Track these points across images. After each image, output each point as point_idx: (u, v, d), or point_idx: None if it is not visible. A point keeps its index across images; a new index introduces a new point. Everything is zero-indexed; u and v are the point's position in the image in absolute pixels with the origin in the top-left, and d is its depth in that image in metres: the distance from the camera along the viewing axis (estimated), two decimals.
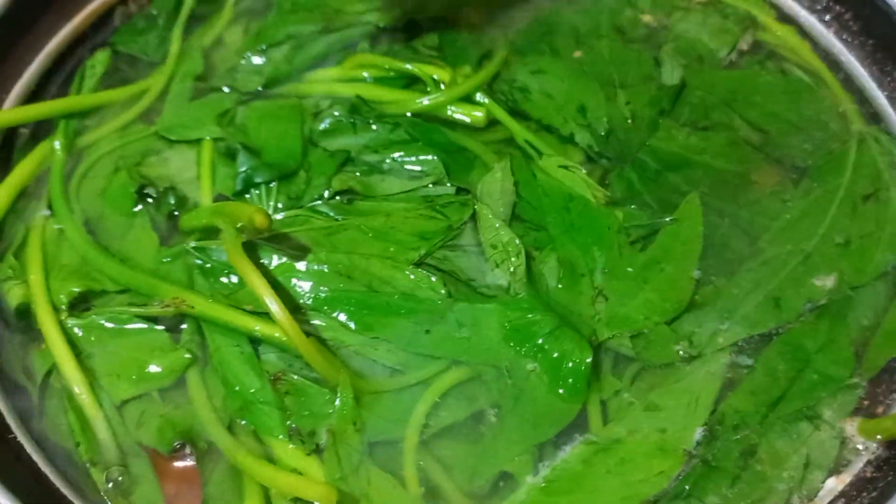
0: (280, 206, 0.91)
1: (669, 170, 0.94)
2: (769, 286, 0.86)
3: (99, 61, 1.06)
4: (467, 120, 0.99)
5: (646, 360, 0.82)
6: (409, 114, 0.98)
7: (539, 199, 0.91)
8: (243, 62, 1.05)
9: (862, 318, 0.85)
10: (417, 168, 0.93)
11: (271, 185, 0.92)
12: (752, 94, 1.00)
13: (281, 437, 0.78)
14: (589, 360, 0.78)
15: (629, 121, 0.97)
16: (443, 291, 0.82)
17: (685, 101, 1.00)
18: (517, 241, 0.85)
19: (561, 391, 0.78)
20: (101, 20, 1.10)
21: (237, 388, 0.80)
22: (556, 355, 0.79)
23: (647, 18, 1.09)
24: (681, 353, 0.82)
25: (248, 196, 0.93)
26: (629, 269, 0.86)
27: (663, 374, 0.82)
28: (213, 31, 1.10)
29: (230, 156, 0.95)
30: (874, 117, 1.01)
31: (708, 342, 0.83)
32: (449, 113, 0.99)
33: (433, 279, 0.83)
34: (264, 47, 1.05)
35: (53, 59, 1.06)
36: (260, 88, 1.03)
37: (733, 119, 0.98)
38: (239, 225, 0.81)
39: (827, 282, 0.86)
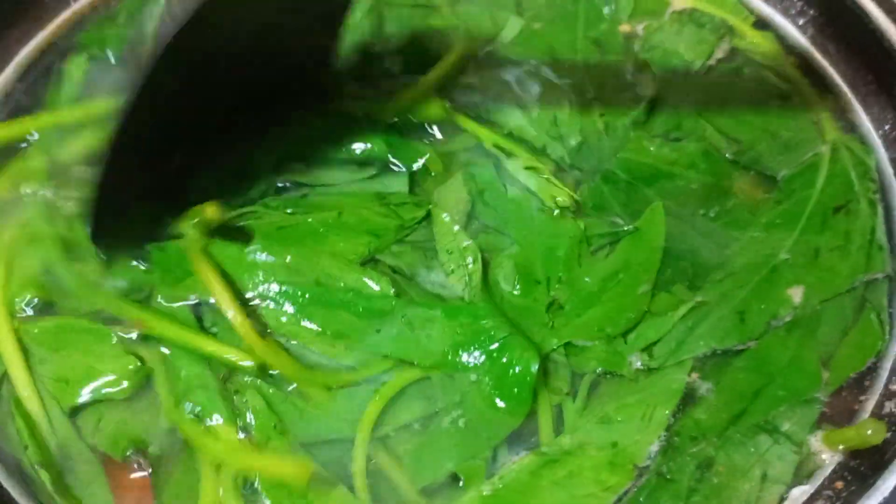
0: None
1: (640, 181, 0.94)
2: (735, 299, 0.86)
3: (75, 65, 1.05)
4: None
5: (596, 370, 0.83)
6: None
7: (503, 204, 0.92)
8: None
9: (828, 333, 0.85)
10: (363, 155, 0.94)
11: None
12: (726, 102, 1.00)
13: (223, 421, 0.79)
14: (535, 367, 0.78)
15: (603, 132, 0.98)
16: (391, 291, 0.83)
17: (658, 111, 1.00)
18: (475, 247, 0.87)
19: (505, 401, 0.78)
20: (73, 29, 1.10)
21: (183, 374, 0.81)
22: (503, 361, 0.79)
23: (624, 28, 1.09)
24: (638, 364, 0.83)
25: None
26: (587, 279, 0.87)
27: (620, 386, 0.82)
28: None
29: None
30: (849, 126, 1.01)
31: (668, 355, 0.83)
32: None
33: (382, 278, 0.84)
34: None
35: (27, 65, 1.06)
36: None
37: (706, 128, 0.98)
38: (195, 220, 0.83)
39: (794, 296, 0.86)
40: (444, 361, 0.81)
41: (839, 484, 0.78)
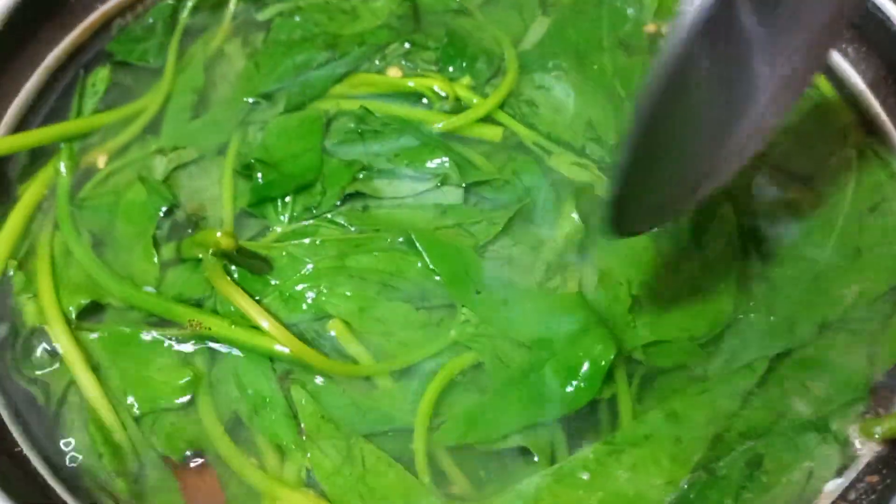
0: (295, 215, 0.94)
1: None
2: (784, 306, 0.88)
3: (100, 79, 1.07)
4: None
5: (665, 369, 0.86)
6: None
7: None
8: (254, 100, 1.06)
9: (873, 329, 0.88)
10: (427, 172, 0.96)
11: (286, 198, 0.95)
12: None
13: (287, 443, 0.81)
14: (610, 358, 0.81)
15: None
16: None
17: None
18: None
19: (575, 383, 0.81)
20: (99, 33, 1.11)
21: (250, 392, 0.83)
22: (582, 347, 0.82)
23: (650, 28, 1.12)
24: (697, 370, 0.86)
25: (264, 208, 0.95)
26: (664, 286, 0.89)
27: (679, 383, 0.85)
28: (213, 42, 1.12)
29: (246, 169, 0.97)
30: (870, 128, 1.03)
31: (723, 367, 0.85)
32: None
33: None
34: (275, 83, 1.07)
35: (51, 72, 1.06)
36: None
37: None
38: (211, 251, 0.86)
39: (846, 297, 0.89)
40: (525, 335, 0.84)
41: (874, 478, 0.80)
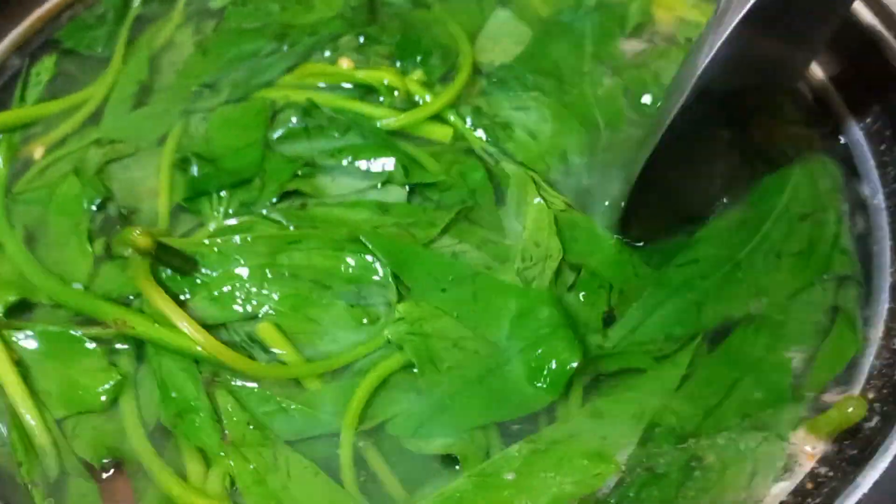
0: (231, 211, 0.93)
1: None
2: (696, 289, 0.88)
3: (45, 68, 1.07)
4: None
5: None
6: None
7: None
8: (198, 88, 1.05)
9: (799, 332, 0.88)
10: (372, 169, 0.95)
11: (223, 193, 0.94)
12: None
13: (211, 450, 0.79)
14: (574, 364, 0.80)
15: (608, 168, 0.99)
16: (388, 274, 0.86)
17: None
18: (560, 249, 0.89)
19: (534, 385, 0.81)
20: (48, 24, 1.11)
21: (174, 395, 0.81)
22: (547, 349, 0.82)
23: (630, 46, 1.11)
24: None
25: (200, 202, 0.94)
26: (643, 291, 0.89)
27: (617, 382, 0.85)
28: (163, 32, 1.11)
29: (182, 162, 0.96)
30: (820, 132, 1.03)
31: (623, 338, 0.85)
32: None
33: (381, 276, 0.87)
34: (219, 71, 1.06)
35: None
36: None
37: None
38: (129, 250, 0.84)
39: (752, 304, 0.88)
40: (492, 331, 0.84)
41: (820, 479, 0.79)
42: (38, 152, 0.99)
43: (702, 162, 0.92)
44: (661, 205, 0.92)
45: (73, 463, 0.80)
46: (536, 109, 1.02)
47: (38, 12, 1.09)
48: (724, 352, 0.85)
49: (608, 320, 0.87)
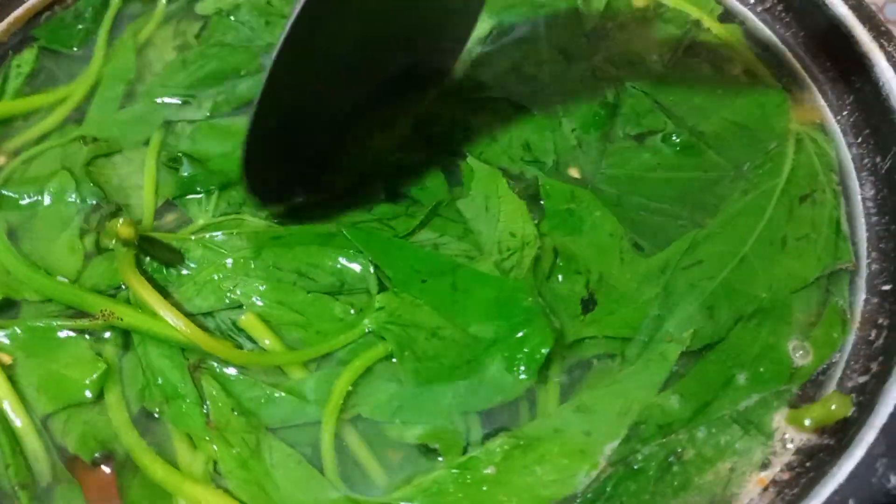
0: (219, 210, 0.94)
1: (630, 193, 0.96)
2: (704, 291, 0.87)
3: (25, 60, 1.08)
4: None
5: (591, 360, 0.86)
6: None
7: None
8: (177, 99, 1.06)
9: (797, 324, 0.87)
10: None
11: (212, 193, 0.95)
12: (689, 95, 1.03)
13: (196, 434, 0.80)
14: (545, 350, 0.81)
15: (578, 148, 1.00)
16: (372, 271, 0.88)
17: (620, 111, 1.02)
18: (536, 233, 0.90)
19: (513, 370, 0.82)
20: (27, 26, 1.12)
21: (159, 381, 0.83)
22: (521, 336, 0.83)
23: (587, 28, 1.11)
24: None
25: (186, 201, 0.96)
26: (628, 276, 0.89)
27: (601, 374, 0.84)
28: (144, 31, 1.12)
29: (173, 161, 0.97)
30: (811, 115, 1.03)
31: (638, 355, 0.85)
32: None
33: (359, 257, 0.89)
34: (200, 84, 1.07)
35: None
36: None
37: (666, 124, 1.00)
38: (114, 241, 0.86)
39: (768, 284, 0.88)
40: (469, 321, 0.85)
41: (797, 469, 0.80)
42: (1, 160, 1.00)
43: (348, 128, 0.91)
44: (284, 165, 0.89)
45: (59, 461, 0.80)
46: (491, 108, 1.03)
47: (14, 14, 1.10)
48: (725, 348, 0.85)
49: (588, 305, 0.87)
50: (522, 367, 0.81)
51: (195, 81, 1.06)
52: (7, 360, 0.84)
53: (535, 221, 0.92)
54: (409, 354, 0.83)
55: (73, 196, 0.94)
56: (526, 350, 0.82)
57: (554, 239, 0.91)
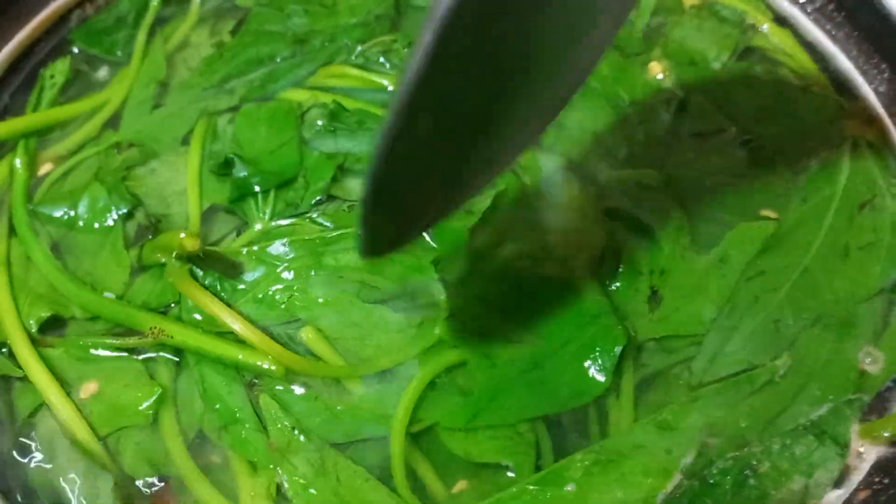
0: (278, 211, 0.93)
1: (691, 200, 0.96)
2: (769, 305, 0.88)
3: (58, 70, 1.07)
4: None
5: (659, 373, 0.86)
6: None
7: None
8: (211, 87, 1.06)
9: (864, 332, 0.87)
10: None
11: (269, 194, 0.94)
12: (747, 99, 1.03)
13: (259, 459, 0.80)
14: (619, 348, 0.82)
15: (645, 144, 1.00)
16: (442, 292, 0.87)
17: (686, 110, 1.02)
18: (602, 237, 0.91)
19: (586, 372, 0.82)
20: (57, 25, 1.11)
21: (217, 407, 0.82)
22: (591, 336, 0.83)
23: (640, 25, 1.11)
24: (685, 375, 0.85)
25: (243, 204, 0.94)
26: (688, 273, 0.90)
27: (674, 392, 0.84)
28: (178, 32, 1.12)
29: (225, 165, 0.96)
30: (868, 120, 1.03)
31: (704, 371, 0.85)
32: None
33: (430, 271, 0.88)
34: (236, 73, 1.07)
35: (8, 66, 1.06)
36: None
37: (730, 126, 1.00)
38: (175, 253, 0.85)
39: (833, 294, 0.88)
40: (541, 324, 0.85)
41: (875, 487, 0.79)
42: (44, 168, 0.99)
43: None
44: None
45: (125, 482, 0.80)
46: None
47: (45, 13, 1.09)
48: (793, 357, 0.85)
49: (654, 301, 0.88)
50: (597, 368, 0.82)
51: (231, 70, 1.06)
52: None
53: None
54: (484, 361, 0.83)
55: (111, 207, 0.93)
56: (598, 349, 0.82)
57: (618, 237, 0.91)
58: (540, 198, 0.95)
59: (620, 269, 0.90)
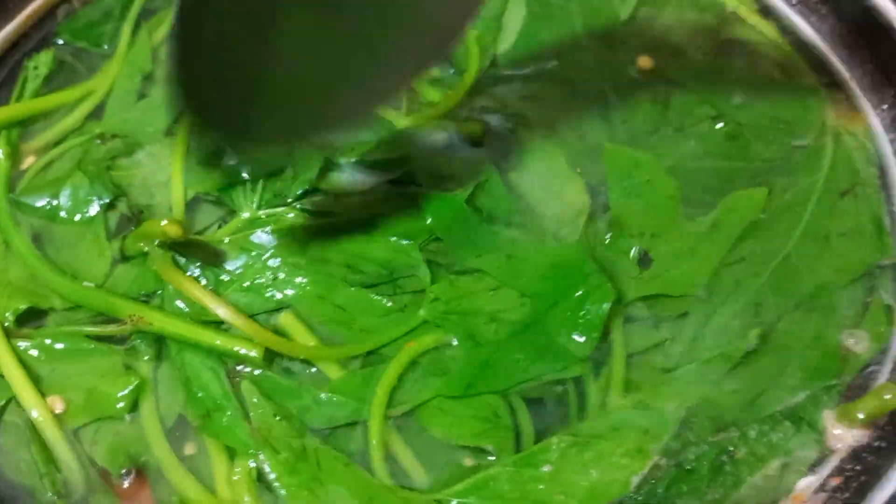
0: (265, 200, 0.93)
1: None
2: (750, 289, 0.89)
3: (42, 62, 1.07)
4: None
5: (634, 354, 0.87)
6: None
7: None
8: None
9: (844, 318, 0.88)
10: (387, 166, 0.96)
11: (257, 182, 0.94)
12: (729, 88, 1.03)
13: (240, 445, 0.80)
14: (607, 305, 0.83)
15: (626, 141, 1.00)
16: (423, 260, 0.88)
17: (672, 101, 1.03)
18: (588, 204, 0.92)
19: (572, 334, 0.83)
20: (44, 19, 1.11)
21: (199, 395, 0.83)
22: (579, 296, 0.84)
23: (623, 16, 1.11)
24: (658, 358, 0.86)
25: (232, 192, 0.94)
26: (679, 236, 0.91)
27: (651, 373, 0.85)
28: (164, 25, 1.12)
29: (215, 154, 0.96)
30: (850, 110, 1.03)
31: (682, 355, 0.86)
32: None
33: (412, 249, 0.89)
34: None
35: None
36: None
37: (713, 116, 1.01)
38: (157, 241, 0.86)
39: (814, 281, 0.89)
40: (528, 286, 0.86)
41: (848, 474, 0.80)
42: (27, 161, 1.00)
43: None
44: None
45: (93, 473, 0.81)
46: (539, 97, 1.04)
47: (31, 7, 1.10)
48: (774, 339, 0.86)
49: (643, 263, 0.90)
50: (585, 326, 0.83)
51: None
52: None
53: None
54: (470, 341, 0.84)
55: (93, 197, 0.93)
56: (587, 307, 0.83)
57: (610, 203, 0.93)
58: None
59: (611, 234, 0.91)
